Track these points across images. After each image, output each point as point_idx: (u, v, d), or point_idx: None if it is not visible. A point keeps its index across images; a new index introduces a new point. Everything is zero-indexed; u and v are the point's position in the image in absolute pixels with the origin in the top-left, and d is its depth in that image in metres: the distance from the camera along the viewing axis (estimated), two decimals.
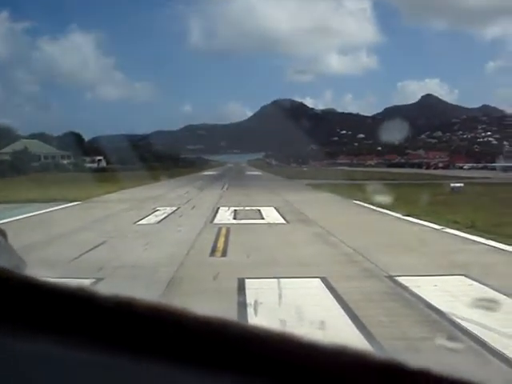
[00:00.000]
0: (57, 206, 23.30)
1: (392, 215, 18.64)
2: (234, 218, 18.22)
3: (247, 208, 21.41)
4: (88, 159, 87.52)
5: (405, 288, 8.05)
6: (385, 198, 23.88)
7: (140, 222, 17.35)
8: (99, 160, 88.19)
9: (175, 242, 12.95)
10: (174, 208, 21.73)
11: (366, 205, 22.48)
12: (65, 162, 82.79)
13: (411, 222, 16.67)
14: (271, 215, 18.97)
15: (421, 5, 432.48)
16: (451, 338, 5.91)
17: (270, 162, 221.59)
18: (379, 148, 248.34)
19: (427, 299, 7.35)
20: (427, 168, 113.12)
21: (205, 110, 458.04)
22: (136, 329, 0.51)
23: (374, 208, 21.04)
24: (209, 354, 0.50)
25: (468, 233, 13.91)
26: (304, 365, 0.49)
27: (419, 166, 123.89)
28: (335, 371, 0.49)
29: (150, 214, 19.62)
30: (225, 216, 18.87)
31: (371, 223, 16.79)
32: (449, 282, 8.48)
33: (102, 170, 70.66)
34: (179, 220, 17.85)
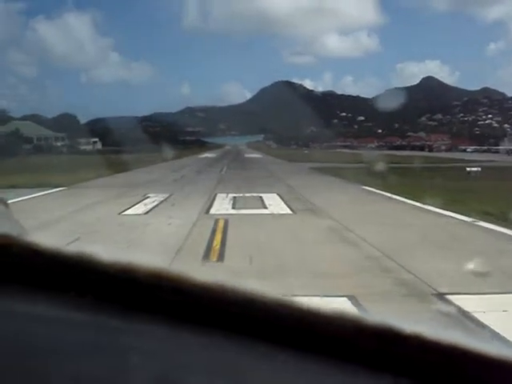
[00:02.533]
0: (39, 192, 21.18)
1: (411, 204, 16.54)
2: (233, 208, 16.06)
3: (247, 195, 19.29)
4: (83, 141, 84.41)
5: (465, 314, 5.90)
6: (398, 184, 21.85)
7: (126, 212, 15.21)
8: (94, 142, 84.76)
9: (163, 239, 10.82)
10: (167, 195, 19.54)
11: (378, 191, 20.32)
12: (59, 144, 79.75)
13: (435, 212, 14.51)
14: (275, 204, 16.82)
15: None
16: None
17: (269, 144, 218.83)
18: (380, 130, 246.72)
19: (505, 335, 5.21)
20: (429, 151, 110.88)
21: (204, 92, 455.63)
22: (136, 292, 0.52)
23: (389, 195, 18.90)
24: (207, 317, 0.51)
25: (507, 227, 11.81)
26: (301, 328, 0.50)
27: (421, 148, 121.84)
28: (331, 334, 0.50)
29: (138, 202, 17.50)
30: (223, 205, 16.73)
31: (390, 214, 14.63)
32: None
33: (98, 152, 68.26)
34: (171, 210, 15.66)
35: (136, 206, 16.48)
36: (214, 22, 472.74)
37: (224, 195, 19.15)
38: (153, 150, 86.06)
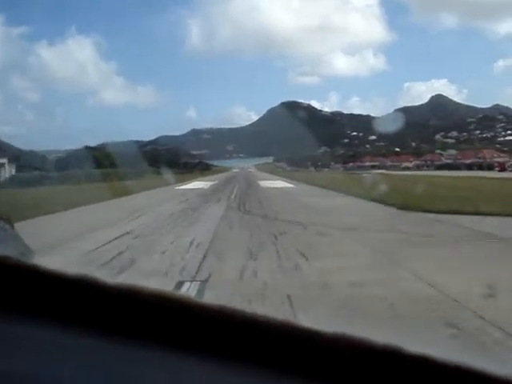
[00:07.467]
0: None
1: None
2: None
3: None
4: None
5: None
6: None
7: None
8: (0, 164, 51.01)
9: None
10: None
11: None
12: None
13: None
14: None
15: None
16: None
17: (280, 165, 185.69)
18: (397, 149, 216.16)
19: None
20: (500, 170, 77.74)
21: (209, 114, 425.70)
22: (139, 316, 0.50)
23: None
24: (211, 340, 0.49)
25: None
26: (305, 350, 0.48)
27: (480, 167, 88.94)
28: (336, 356, 0.48)
29: None
30: None
31: None
32: None
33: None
34: None
35: None
36: (219, 43, 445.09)
37: None
38: (136, 174, 58.08)
